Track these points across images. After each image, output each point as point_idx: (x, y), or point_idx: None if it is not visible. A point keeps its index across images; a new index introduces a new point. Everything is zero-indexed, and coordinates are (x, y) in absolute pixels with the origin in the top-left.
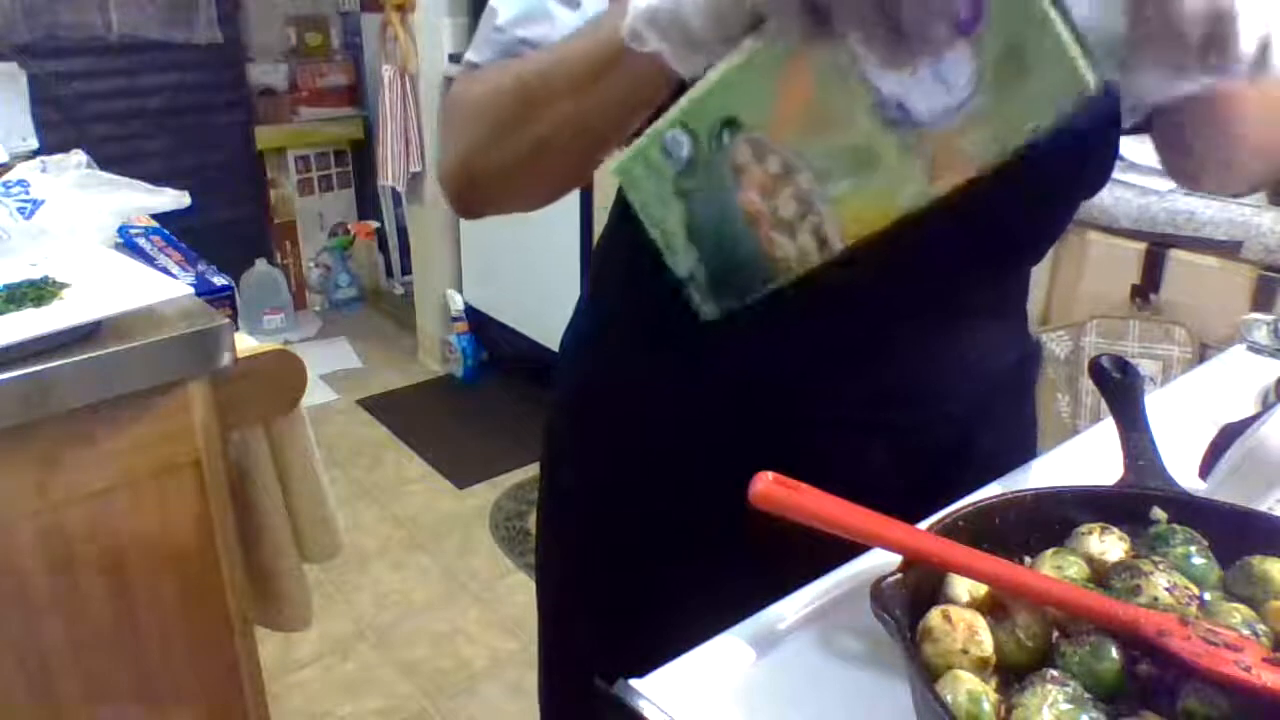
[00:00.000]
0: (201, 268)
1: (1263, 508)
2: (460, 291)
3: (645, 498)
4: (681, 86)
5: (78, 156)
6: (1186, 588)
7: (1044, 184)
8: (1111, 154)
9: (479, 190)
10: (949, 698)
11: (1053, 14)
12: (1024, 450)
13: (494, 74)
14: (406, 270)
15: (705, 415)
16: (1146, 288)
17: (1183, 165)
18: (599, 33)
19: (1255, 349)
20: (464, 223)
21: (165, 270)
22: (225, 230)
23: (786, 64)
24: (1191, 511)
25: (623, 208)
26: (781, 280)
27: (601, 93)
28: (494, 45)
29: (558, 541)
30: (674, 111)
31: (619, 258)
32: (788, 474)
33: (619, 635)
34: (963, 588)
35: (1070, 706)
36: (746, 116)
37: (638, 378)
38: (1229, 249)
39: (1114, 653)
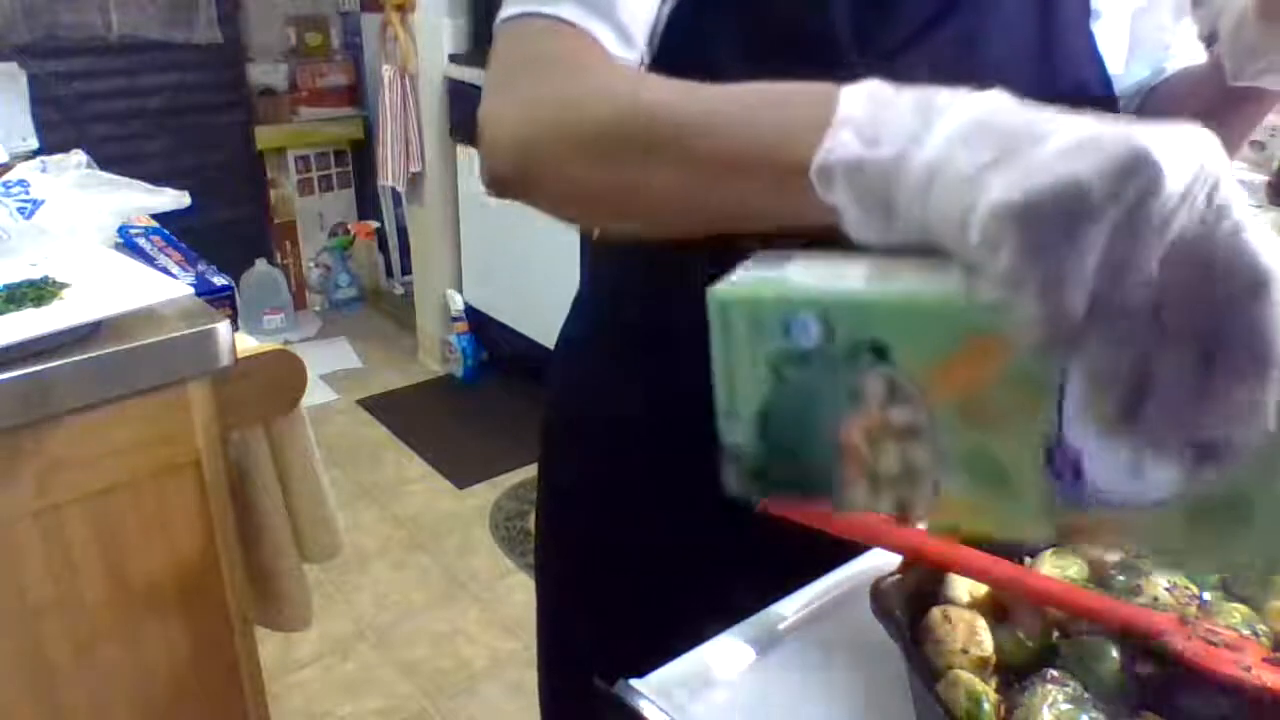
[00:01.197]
0: (201, 268)
1: None
2: (460, 291)
3: (642, 496)
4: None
5: (78, 156)
6: (1186, 588)
7: None
8: None
9: (529, 184)
10: (949, 698)
11: None
12: None
13: (612, 73)
14: (406, 270)
15: (704, 414)
16: None
17: None
18: (782, 125)
19: None
20: (464, 223)
21: (165, 270)
22: (225, 230)
23: (990, 334)
24: None
25: None
26: (832, 507)
27: (742, 193)
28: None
29: (556, 541)
30: (819, 291)
31: (615, 259)
32: None
33: (619, 635)
34: (963, 588)
35: (1070, 707)
36: (903, 356)
37: (633, 376)
38: None
39: (1114, 653)
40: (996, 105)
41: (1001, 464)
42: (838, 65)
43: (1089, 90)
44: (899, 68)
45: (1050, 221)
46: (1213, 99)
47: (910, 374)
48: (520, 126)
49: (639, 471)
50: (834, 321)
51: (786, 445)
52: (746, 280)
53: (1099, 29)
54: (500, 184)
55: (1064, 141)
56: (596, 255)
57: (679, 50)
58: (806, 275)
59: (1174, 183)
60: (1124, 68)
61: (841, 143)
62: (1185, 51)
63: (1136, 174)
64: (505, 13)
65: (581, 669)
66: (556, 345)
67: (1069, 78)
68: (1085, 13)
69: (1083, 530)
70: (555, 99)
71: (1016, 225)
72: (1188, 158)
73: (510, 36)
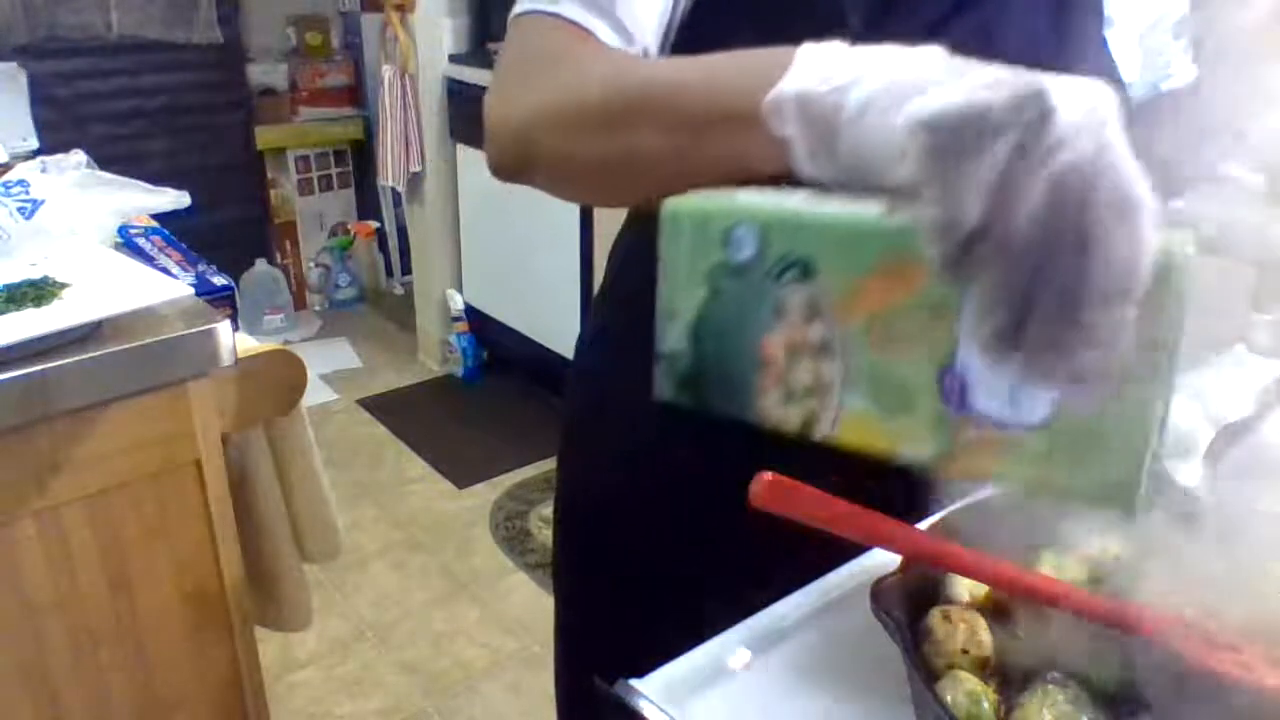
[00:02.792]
0: (201, 268)
1: (1263, 508)
2: (460, 291)
3: (658, 500)
4: (783, 180)
5: (78, 156)
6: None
7: None
8: None
9: (530, 165)
10: (949, 698)
11: (1149, 450)
12: None
13: (603, 59)
14: (406, 270)
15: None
16: None
17: None
18: (744, 78)
19: (1255, 349)
20: (464, 223)
21: (165, 270)
22: (225, 230)
23: (901, 260)
24: (1191, 511)
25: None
26: (746, 420)
27: (715, 144)
28: None
29: (574, 544)
30: (758, 207)
31: (639, 262)
32: (793, 473)
33: (635, 639)
34: (963, 588)
35: (1070, 708)
36: (825, 273)
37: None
38: (1229, 249)
39: (1114, 654)
40: (930, 53)
41: (902, 384)
42: None
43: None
44: None
45: (953, 133)
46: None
47: (830, 291)
48: (520, 112)
49: (655, 475)
50: (769, 235)
51: (715, 354)
52: (698, 197)
53: (1111, 35)
54: (504, 168)
55: (978, 80)
56: (615, 269)
57: (694, 43)
58: (752, 197)
59: (1066, 117)
60: (1136, 77)
61: (793, 79)
62: (1181, 72)
63: (1033, 105)
64: (515, 10)
65: (598, 673)
66: (576, 351)
67: (1083, 73)
68: (1099, 16)
69: (966, 451)
70: (551, 86)
71: (924, 134)
72: (1082, 101)
73: (517, 32)
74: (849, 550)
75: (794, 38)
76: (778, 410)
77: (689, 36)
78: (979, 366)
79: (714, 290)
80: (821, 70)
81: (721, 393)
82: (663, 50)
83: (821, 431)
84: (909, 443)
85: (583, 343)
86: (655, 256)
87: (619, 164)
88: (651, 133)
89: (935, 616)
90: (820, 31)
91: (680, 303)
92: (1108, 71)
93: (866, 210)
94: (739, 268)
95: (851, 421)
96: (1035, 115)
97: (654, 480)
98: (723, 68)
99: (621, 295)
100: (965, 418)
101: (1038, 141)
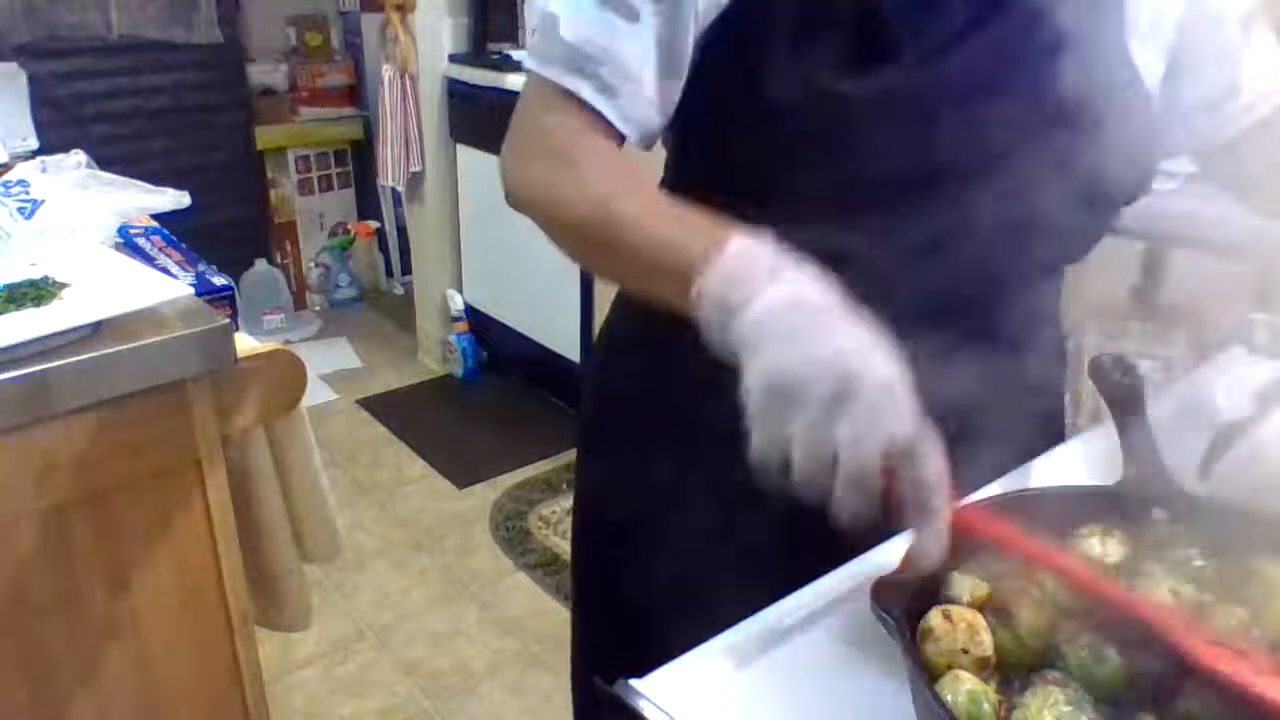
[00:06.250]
0: (201, 268)
1: (1262, 508)
2: (460, 291)
3: (676, 492)
4: None
5: (78, 156)
6: (1187, 589)
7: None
8: (1149, 160)
9: (534, 220)
10: (949, 698)
11: None
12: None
13: (594, 176)
14: (406, 270)
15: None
16: (1146, 288)
17: None
18: (687, 249)
19: (1255, 349)
20: (464, 223)
21: (165, 270)
22: (225, 230)
23: None
24: (1191, 511)
25: None
26: None
27: (655, 286)
28: (559, 60)
29: (590, 540)
30: None
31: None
32: None
33: (644, 638)
34: (963, 588)
35: (1070, 708)
36: None
37: (669, 372)
38: (1229, 249)
39: (1114, 655)
40: (803, 295)
41: None
42: (889, 61)
43: (1118, 95)
44: (946, 64)
45: (775, 391)
46: None
47: None
48: (525, 193)
49: (672, 467)
50: None
51: None
52: None
53: (1135, 44)
54: (513, 204)
55: (825, 346)
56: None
57: (725, 46)
58: None
59: (865, 398)
60: (1167, 84)
61: (711, 281)
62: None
63: (841, 383)
64: (529, 63)
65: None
66: (596, 340)
67: (1100, 82)
68: (1119, 26)
69: None
70: (550, 186)
71: (758, 381)
72: (884, 380)
73: (532, 94)
74: (849, 550)
75: (827, 41)
76: None
77: (721, 34)
78: None
79: None
80: (735, 277)
81: None
82: (694, 53)
83: None
84: None
85: (598, 344)
86: None
87: (595, 267)
88: (613, 260)
89: (935, 616)
90: (854, 33)
91: None
92: (1129, 79)
93: None
94: None
95: None
96: (840, 391)
97: (675, 447)
98: (673, 233)
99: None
100: None
101: (834, 412)
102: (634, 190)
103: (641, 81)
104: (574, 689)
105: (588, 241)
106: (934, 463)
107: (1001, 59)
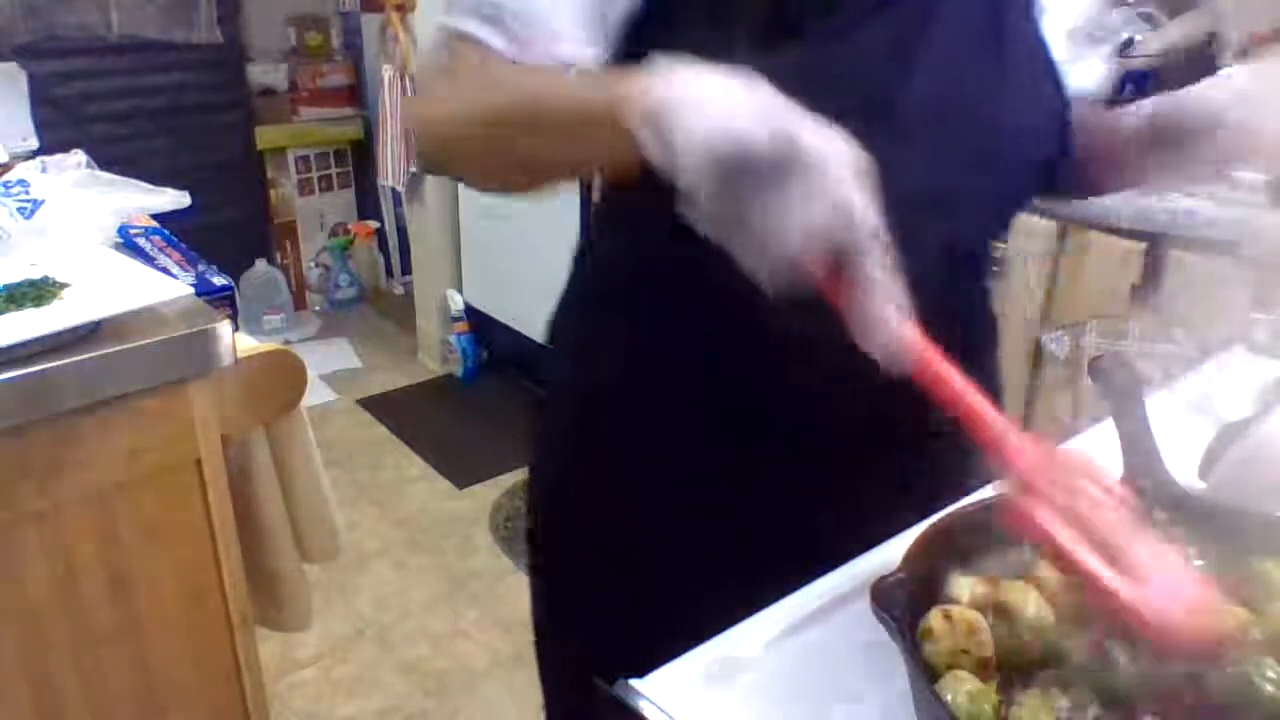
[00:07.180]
0: (201, 268)
1: (1263, 508)
2: (460, 291)
3: (645, 495)
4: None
5: (78, 156)
6: None
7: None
8: (1060, 132)
9: (446, 163)
10: (949, 698)
11: None
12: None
13: (480, 74)
14: (406, 270)
15: (694, 378)
16: (1146, 288)
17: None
18: (597, 87)
19: (1255, 349)
20: (464, 223)
21: (165, 270)
22: (225, 230)
23: None
24: (1191, 511)
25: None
26: None
27: (574, 141)
28: (468, 8)
29: (550, 534)
30: None
31: (615, 230)
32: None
33: (619, 636)
34: (963, 588)
35: (1070, 708)
36: None
37: (621, 340)
38: (1229, 249)
39: (1115, 655)
40: (736, 76)
41: None
42: (799, 35)
43: (1034, 69)
44: (859, 39)
45: (717, 171)
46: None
47: None
48: (435, 123)
49: (631, 443)
50: None
51: None
52: None
53: (1045, 22)
54: (428, 166)
55: (758, 112)
56: (598, 224)
57: (644, 37)
58: None
59: (809, 154)
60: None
61: (646, 100)
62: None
63: (785, 142)
64: (438, 19)
65: (582, 670)
66: (550, 337)
67: (1017, 55)
68: (1030, 3)
69: None
70: (456, 99)
71: (705, 152)
72: (831, 144)
73: (434, 49)
74: (849, 550)
75: (745, 25)
76: None
77: (641, 31)
78: None
79: None
80: (666, 83)
81: None
82: (612, 45)
83: None
84: None
85: (563, 310)
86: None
87: (510, 160)
88: (540, 137)
89: (935, 616)
90: (770, 18)
91: None
92: (1042, 58)
93: None
94: None
95: None
96: (785, 150)
97: (632, 422)
98: (595, 83)
99: (602, 254)
100: None
101: (783, 171)
102: (542, 70)
103: (555, 39)
104: (544, 682)
105: (509, 127)
106: (887, 259)
107: (917, 31)
